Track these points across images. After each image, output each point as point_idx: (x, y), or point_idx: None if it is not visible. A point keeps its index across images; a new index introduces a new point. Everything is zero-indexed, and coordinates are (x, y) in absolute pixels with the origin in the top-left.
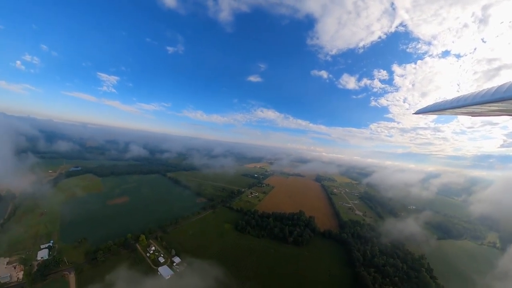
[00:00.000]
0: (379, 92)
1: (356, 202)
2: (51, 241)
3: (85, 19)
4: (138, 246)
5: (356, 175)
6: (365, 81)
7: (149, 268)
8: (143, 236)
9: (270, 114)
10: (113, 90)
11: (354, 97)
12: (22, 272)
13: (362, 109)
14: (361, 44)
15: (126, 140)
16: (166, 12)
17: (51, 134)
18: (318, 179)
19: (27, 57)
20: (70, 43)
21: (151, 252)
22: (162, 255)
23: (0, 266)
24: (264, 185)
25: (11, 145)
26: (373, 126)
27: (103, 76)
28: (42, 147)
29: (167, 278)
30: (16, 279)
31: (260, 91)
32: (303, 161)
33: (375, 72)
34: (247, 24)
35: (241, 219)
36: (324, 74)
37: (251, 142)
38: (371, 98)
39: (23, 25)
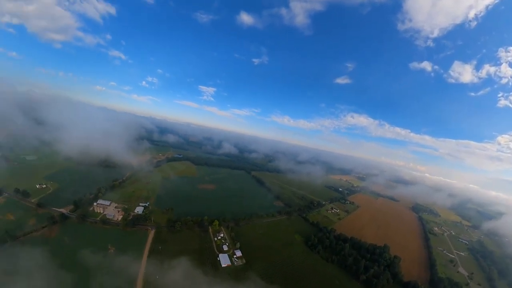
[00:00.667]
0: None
1: (462, 254)
2: (147, 203)
3: (186, 48)
4: (210, 229)
5: (471, 214)
6: (487, 69)
7: (212, 251)
8: (216, 222)
9: (362, 120)
10: (211, 99)
11: (473, 94)
12: (121, 217)
13: (485, 112)
14: (471, 14)
15: (220, 139)
16: (246, 30)
17: (164, 129)
18: (416, 208)
19: (149, 79)
20: (177, 66)
21: (219, 238)
22: (227, 244)
23: (110, 207)
24: (348, 202)
25: (135, 135)
26: (502, 138)
27: (203, 88)
28: (156, 137)
29: (223, 266)
30: (116, 219)
31: (350, 94)
32: (400, 181)
33: (501, 53)
34: (325, 22)
35: (314, 235)
36: (427, 66)
37: (338, 151)
38: (499, 95)
39: (145, 58)
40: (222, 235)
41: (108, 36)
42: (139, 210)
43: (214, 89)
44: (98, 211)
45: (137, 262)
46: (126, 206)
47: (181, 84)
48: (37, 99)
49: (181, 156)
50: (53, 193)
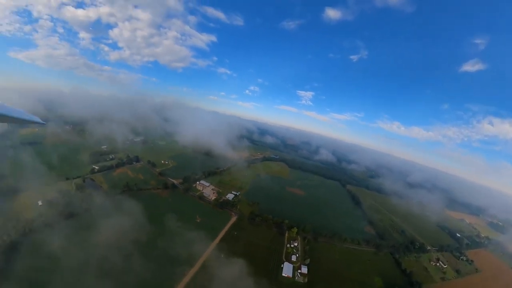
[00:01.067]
0: None
1: None
2: (238, 193)
3: (280, 56)
4: (287, 234)
5: None
6: None
7: (279, 255)
8: (295, 229)
9: (507, 128)
10: (310, 103)
11: None
12: (214, 198)
13: None
14: None
15: (317, 144)
16: (336, 26)
17: (264, 131)
18: None
19: (251, 87)
20: (275, 74)
21: (292, 246)
22: (297, 255)
23: (208, 188)
24: (464, 258)
25: (238, 134)
26: None
27: (301, 93)
28: (256, 138)
29: (283, 275)
30: (210, 198)
31: (485, 87)
32: None
33: None
34: None
35: (400, 287)
36: None
37: (467, 176)
38: None
39: (246, 71)
40: (296, 244)
41: (215, 58)
42: (230, 196)
43: (312, 93)
44: (199, 188)
45: (210, 239)
46: (220, 191)
47: (279, 90)
48: (167, 105)
49: (277, 157)
50: (171, 168)
